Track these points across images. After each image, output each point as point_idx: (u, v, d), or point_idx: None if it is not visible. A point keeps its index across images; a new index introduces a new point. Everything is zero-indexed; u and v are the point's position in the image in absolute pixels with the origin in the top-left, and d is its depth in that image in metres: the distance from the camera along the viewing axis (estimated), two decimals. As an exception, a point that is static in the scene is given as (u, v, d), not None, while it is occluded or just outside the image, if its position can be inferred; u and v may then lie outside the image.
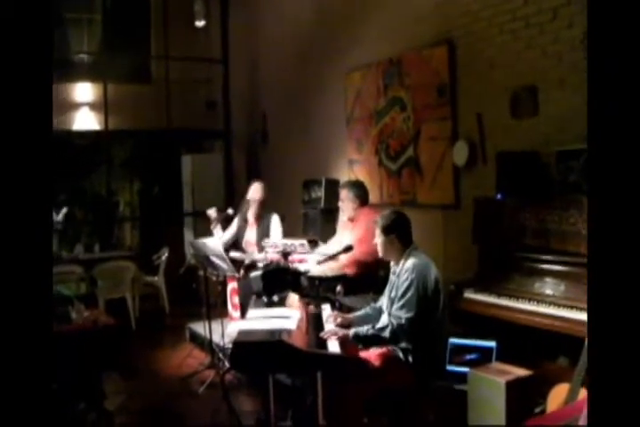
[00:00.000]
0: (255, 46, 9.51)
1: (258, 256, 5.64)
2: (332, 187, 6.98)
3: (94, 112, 10.03)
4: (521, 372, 3.73)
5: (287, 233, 6.13)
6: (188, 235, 9.82)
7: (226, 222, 6.20)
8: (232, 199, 9.53)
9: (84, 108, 10.08)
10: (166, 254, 8.31)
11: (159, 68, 10.35)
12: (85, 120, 10.07)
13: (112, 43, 10.15)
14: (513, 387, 3.59)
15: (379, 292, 4.29)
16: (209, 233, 6.10)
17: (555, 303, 3.96)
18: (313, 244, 5.66)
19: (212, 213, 6.02)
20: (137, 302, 8.01)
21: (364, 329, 3.65)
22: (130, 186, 11.91)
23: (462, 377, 4.13)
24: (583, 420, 2.15)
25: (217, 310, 6.26)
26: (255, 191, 5.95)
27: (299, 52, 8.02)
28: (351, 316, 4.00)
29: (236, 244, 6.05)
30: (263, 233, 5.82)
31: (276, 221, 5.95)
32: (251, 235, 5.95)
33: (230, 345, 5.30)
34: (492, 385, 3.65)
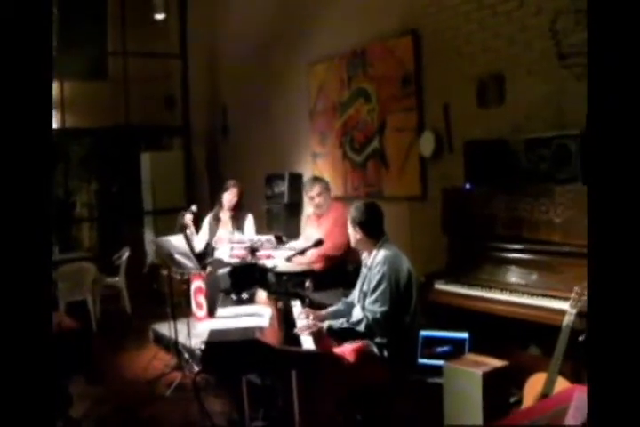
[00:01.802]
0: (215, 39, 9.34)
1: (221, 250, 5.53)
2: (296, 181, 6.90)
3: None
4: (496, 362, 3.67)
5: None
6: (149, 234, 9.62)
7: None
8: (193, 197, 9.36)
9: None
10: (127, 254, 8.10)
11: (116, 64, 10.08)
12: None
13: (68, 39, 9.85)
14: (489, 378, 3.53)
15: (349, 287, 4.21)
16: (170, 232, 5.95)
17: (528, 292, 3.93)
18: (278, 240, 5.57)
19: (188, 219, 5.87)
20: (98, 303, 7.79)
21: (339, 322, 3.57)
22: (87, 185, 11.60)
23: (434, 370, 4.07)
24: (573, 410, 2.09)
25: (181, 309, 6.12)
26: (232, 196, 5.89)
27: (260, 44, 7.87)
28: (323, 312, 3.90)
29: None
30: (238, 231, 5.73)
31: (250, 221, 5.91)
32: (223, 232, 5.84)
33: (199, 346, 5.23)
34: (468, 377, 3.58)
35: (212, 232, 5.96)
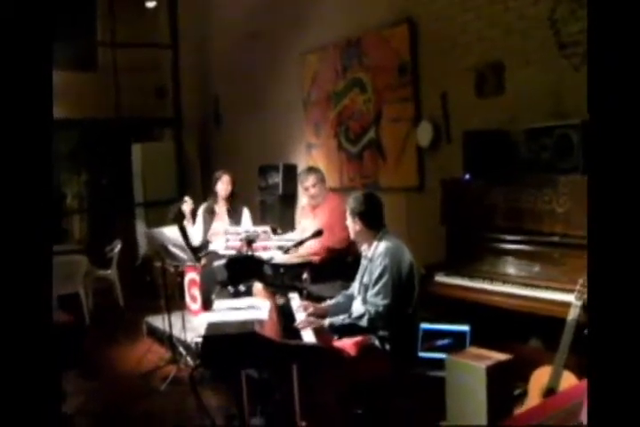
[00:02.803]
0: (206, 28, 9.21)
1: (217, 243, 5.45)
2: (290, 172, 6.82)
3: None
4: (500, 356, 3.60)
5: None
6: (140, 226, 9.51)
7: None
8: (184, 188, 9.26)
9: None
10: (119, 247, 8.00)
11: (106, 54, 9.96)
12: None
13: (56, 29, 9.69)
14: (493, 372, 3.46)
15: (347, 279, 4.14)
16: (162, 224, 5.86)
17: (529, 284, 3.88)
18: (272, 231, 5.50)
19: (187, 206, 5.78)
20: (90, 296, 7.70)
21: (340, 318, 3.49)
22: (77, 177, 11.50)
23: (435, 363, 4.02)
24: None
25: (174, 302, 6.04)
26: (226, 185, 5.80)
27: (252, 33, 7.75)
28: (324, 305, 3.83)
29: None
30: (235, 225, 5.65)
31: (247, 214, 5.83)
32: (219, 226, 5.75)
33: (194, 339, 5.15)
34: (471, 371, 3.52)
35: (207, 225, 5.87)
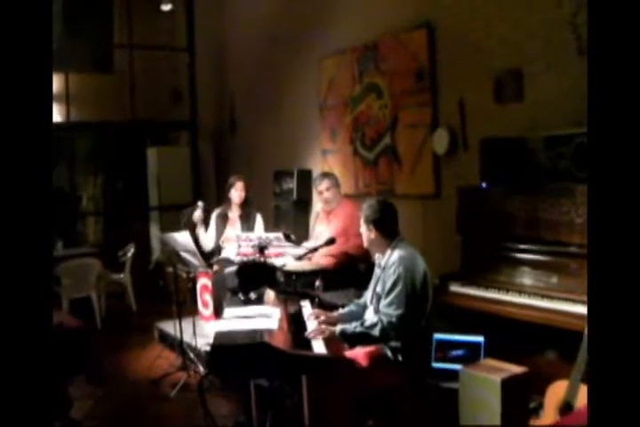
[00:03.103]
0: (223, 32, 9.19)
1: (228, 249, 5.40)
2: (305, 178, 6.76)
3: (56, 103, 9.61)
4: (515, 368, 3.51)
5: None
6: (155, 230, 9.49)
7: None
8: (199, 192, 9.23)
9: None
10: (132, 251, 7.97)
11: (122, 57, 9.95)
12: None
13: (73, 30, 9.72)
14: (508, 385, 3.38)
15: (360, 287, 4.07)
16: (175, 228, 5.82)
17: (546, 296, 3.78)
18: (286, 238, 5.43)
19: (197, 216, 5.73)
20: (102, 300, 7.68)
21: (352, 326, 3.41)
22: (93, 180, 11.51)
23: (449, 374, 3.93)
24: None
25: (186, 308, 5.99)
26: (240, 191, 5.76)
27: (269, 37, 7.72)
28: (335, 314, 3.75)
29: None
30: (249, 231, 5.60)
31: (260, 221, 5.78)
32: (231, 232, 5.70)
33: (204, 346, 5.10)
34: (486, 384, 3.43)
35: (220, 231, 5.82)
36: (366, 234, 3.59)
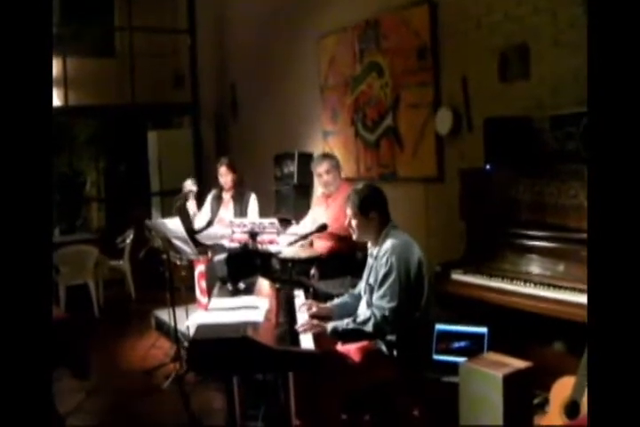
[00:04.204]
0: (223, 13, 8.94)
1: (220, 231, 5.21)
2: (306, 161, 6.51)
3: (55, 88, 9.43)
4: (518, 363, 3.30)
5: (259, 212, 5.69)
6: (156, 216, 9.31)
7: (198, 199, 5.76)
8: (201, 176, 9.03)
9: (43, 83, 9.46)
10: (131, 237, 7.80)
11: (123, 40, 9.77)
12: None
13: (72, 13, 9.56)
14: (511, 381, 3.16)
15: (357, 275, 3.84)
16: (177, 213, 5.64)
17: (553, 285, 3.57)
18: (286, 223, 5.23)
19: (189, 184, 5.55)
20: (101, 288, 7.53)
21: (344, 323, 3.18)
22: (95, 165, 11.36)
23: (450, 367, 3.73)
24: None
25: (184, 295, 5.81)
26: (225, 177, 5.55)
27: (268, 17, 7.49)
28: (328, 305, 3.53)
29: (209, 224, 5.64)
30: (241, 213, 5.40)
31: (253, 201, 5.56)
32: (225, 213, 5.52)
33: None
34: (487, 379, 3.22)
35: (214, 212, 5.64)
36: (357, 223, 3.34)
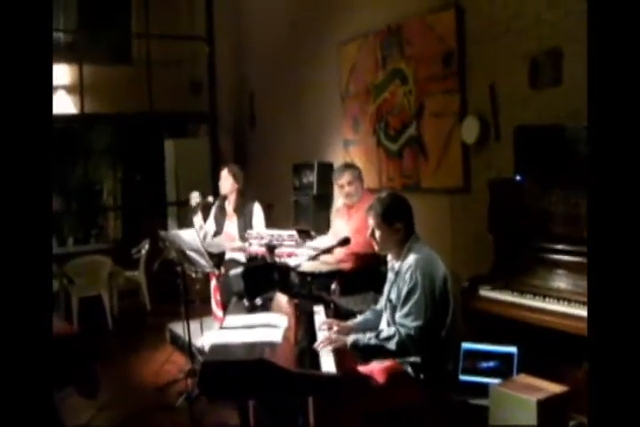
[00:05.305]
0: (242, 21, 8.81)
1: (236, 244, 5.04)
2: (326, 171, 6.35)
3: (72, 96, 9.35)
4: (553, 387, 3.10)
5: (277, 223, 5.53)
6: (172, 226, 9.17)
7: (206, 211, 5.59)
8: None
9: (60, 91, 9.38)
10: (147, 247, 7.65)
11: (140, 47, 9.67)
12: (62, 104, 9.37)
13: (89, 20, 9.50)
14: (546, 406, 2.97)
15: (381, 291, 3.65)
16: (191, 224, 5.50)
17: (586, 303, 3.34)
18: (305, 234, 5.05)
19: (195, 196, 5.39)
20: (115, 299, 7.39)
21: (366, 338, 3.00)
22: (113, 174, 11.26)
23: (478, 389, 3.55)
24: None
25: (199, 308, 5.65)
26: (224, 181, 5.39)
27: (288, 24, 7.33)
28: (350, 323, 3.34)
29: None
30: (245, 225, 5.22)
31: (258, 211, 5.38)
32: (230, 227, 5.35)
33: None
34: (519, 404, 3.02)
35: (219, 224, 5.49)
36: (381, 234, 3.15)
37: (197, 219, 5.48)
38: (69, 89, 9.35)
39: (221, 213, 5.52)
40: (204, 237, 5.37)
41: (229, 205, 5.49)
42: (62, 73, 9.33)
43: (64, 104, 9.32)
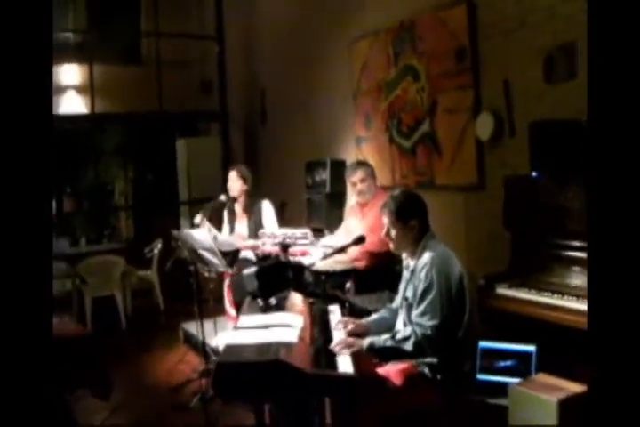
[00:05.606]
0: (252, 19, 8.77)
1: (248, 243, 5.00)
2: (338, 168, 6.30)
3: (82, 95, 9.35)
4: (574, 387, 3.04)
5: (290, 222, 5.49)
6: (185, 225, 9.15)
7: (218, 213, 5.55)
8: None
9: (70, 91, 9.39)
10: (159, 247, 7.63)
11: (150, 46, 9.65)
12: (72, 104, 9.38)
13: (99, 20, 9.49)
14: (567, 406, 2.91)
15: (396, 290, 3.61)
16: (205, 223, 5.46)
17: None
18: (318, 233, 5.01)
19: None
20: (128, 299, 7.37)
21: (382, 340, 2.96)
22: (124, 173, 11.26)
23: (495, 388, 3.49)
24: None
25: (213, 307, 5.63)
26: (233, 183, 5.34)
27: (299, 21, 7.30)
28: (364, 322, 3.31)
29: None
30: (256, 224, 5.18)
31: (267, 208, 5.32)
32: (241, 228, 5.31)
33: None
34: (539, 404, 2.97)
35: (231, 226, 5.48)
36: (397, 232, 3.11)
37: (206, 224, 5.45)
38: (80, 89, 9.35)
39: (231, 215, 5.48)
40: (215, 238, 5.34)
41: (239, 207, 5.45)
42: (72, 73, 9.35)
43: (75, 104, 9.34)
